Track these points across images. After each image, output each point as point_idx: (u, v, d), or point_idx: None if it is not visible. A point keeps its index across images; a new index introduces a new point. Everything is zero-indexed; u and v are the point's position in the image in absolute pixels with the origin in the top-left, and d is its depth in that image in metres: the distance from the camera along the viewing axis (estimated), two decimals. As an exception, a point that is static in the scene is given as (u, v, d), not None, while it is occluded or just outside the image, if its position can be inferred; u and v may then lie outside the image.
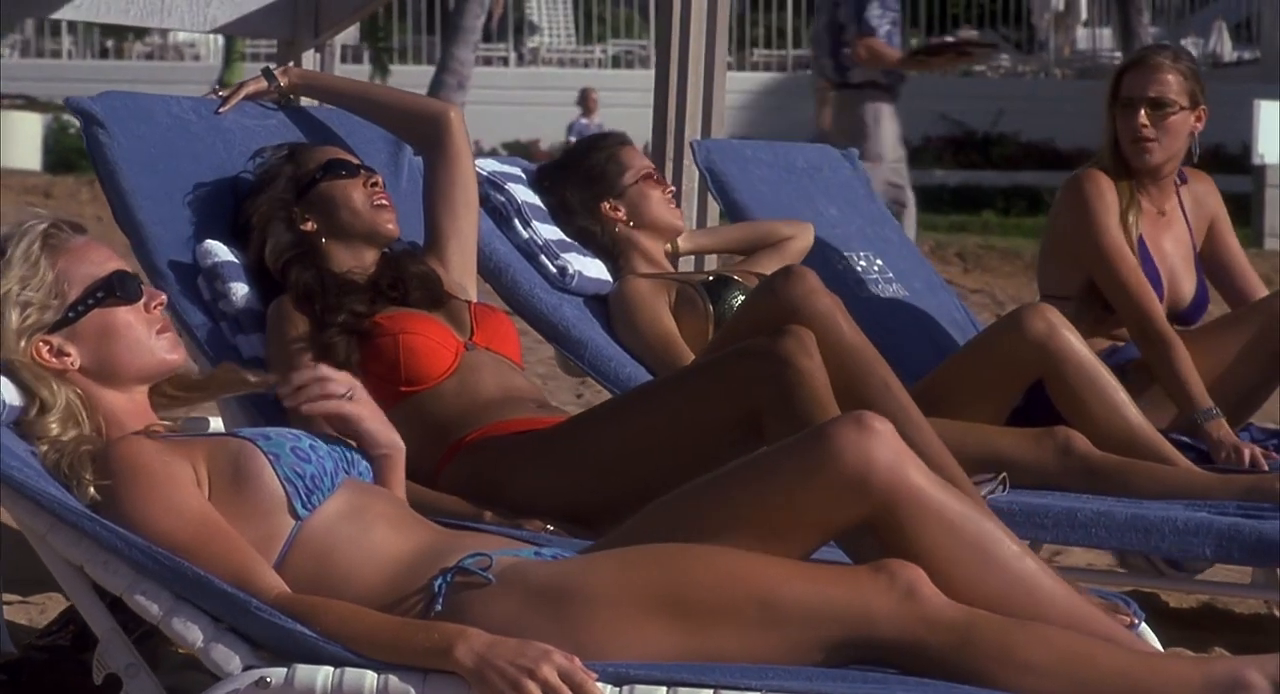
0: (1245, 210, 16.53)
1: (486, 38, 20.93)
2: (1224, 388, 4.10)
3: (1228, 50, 23.28)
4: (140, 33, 18.97)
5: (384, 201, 3.30)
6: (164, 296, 2.58)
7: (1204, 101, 4.24)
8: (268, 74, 3.62)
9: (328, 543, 2.41)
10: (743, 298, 3.72)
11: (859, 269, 4.53)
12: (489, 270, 3.71)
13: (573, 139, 16.78)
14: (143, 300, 2.54)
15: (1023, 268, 11.39)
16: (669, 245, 3.99)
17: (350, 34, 15.94)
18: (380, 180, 3.33)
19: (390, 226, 3.29)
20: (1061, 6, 21.60)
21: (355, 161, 3.35)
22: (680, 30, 4.79)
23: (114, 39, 18.23)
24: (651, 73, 15.82)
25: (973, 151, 19.80)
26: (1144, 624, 2.81)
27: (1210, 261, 4.37)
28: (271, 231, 3.27)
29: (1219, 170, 18.74)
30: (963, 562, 2.47)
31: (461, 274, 3.39)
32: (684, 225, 3.99)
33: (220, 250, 3.25)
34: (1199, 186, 4.41)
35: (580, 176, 3.91)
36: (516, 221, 3.81)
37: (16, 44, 20.34)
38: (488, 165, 3.87)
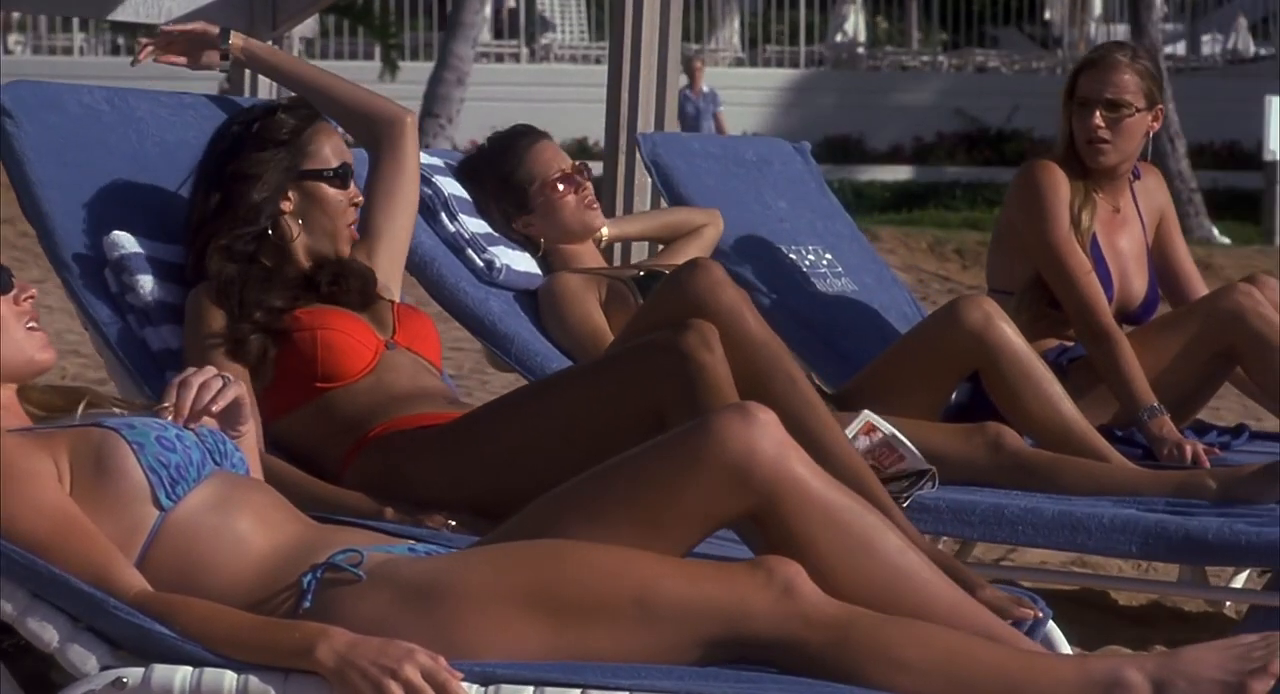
0: (1258, 206, 16.46)
1: (498, 34, 20.94)
2: (1165, 386, 4.06)
3: (1248, 46, 23.18)
4: (151, 30, 18.96)
5: (354, 227, 3.26)
6: (34, 290, 2.55)
7: (1162, 101, 4.20)
8: (225, 32, 3.50)
9: (190, 534, 2.37)
10: None
11: (808, 263, 4.49)
12: (414, 263, 3.67)
13: None
14: (13, 293, 2.52)
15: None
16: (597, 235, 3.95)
17: (309, 26, 15.78)
18: (362, 201, 3.27)
19: (345, 250, 3.25)
20: (1076, 1, 21.51)
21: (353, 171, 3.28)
22: (633, 25, 4.76)
23: (125, 36, 18.22)
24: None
25: (986, 148, 19.74)
26: (1051, 621, 2.77)
27: (1155, 257, 4.32)
28: (261, 189, 3.16)
29: (1233, 167, 18.74)
30: (845, 554, 2.44)
31: (389, 274, 3.34)
32: (602, 224, 3.93)
33: (128, 242, 3.20)
34: (1150, 180, 4.37)
35: (492, 186, 3.86)
36: (443, 215, 3.77)
37: (28, 41, 20.37)
38: (414, 157, 3.83)
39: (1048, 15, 22.46)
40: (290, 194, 3.19)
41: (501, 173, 3.87)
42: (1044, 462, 3.60)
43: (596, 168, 4.27)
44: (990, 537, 3.52)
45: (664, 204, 4.60)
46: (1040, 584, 4.38)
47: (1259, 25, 23.23)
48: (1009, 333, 3.69)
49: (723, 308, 2.97)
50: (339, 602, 2.32)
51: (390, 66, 17.31)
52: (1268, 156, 15.65)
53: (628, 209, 4.75)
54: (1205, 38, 23.62)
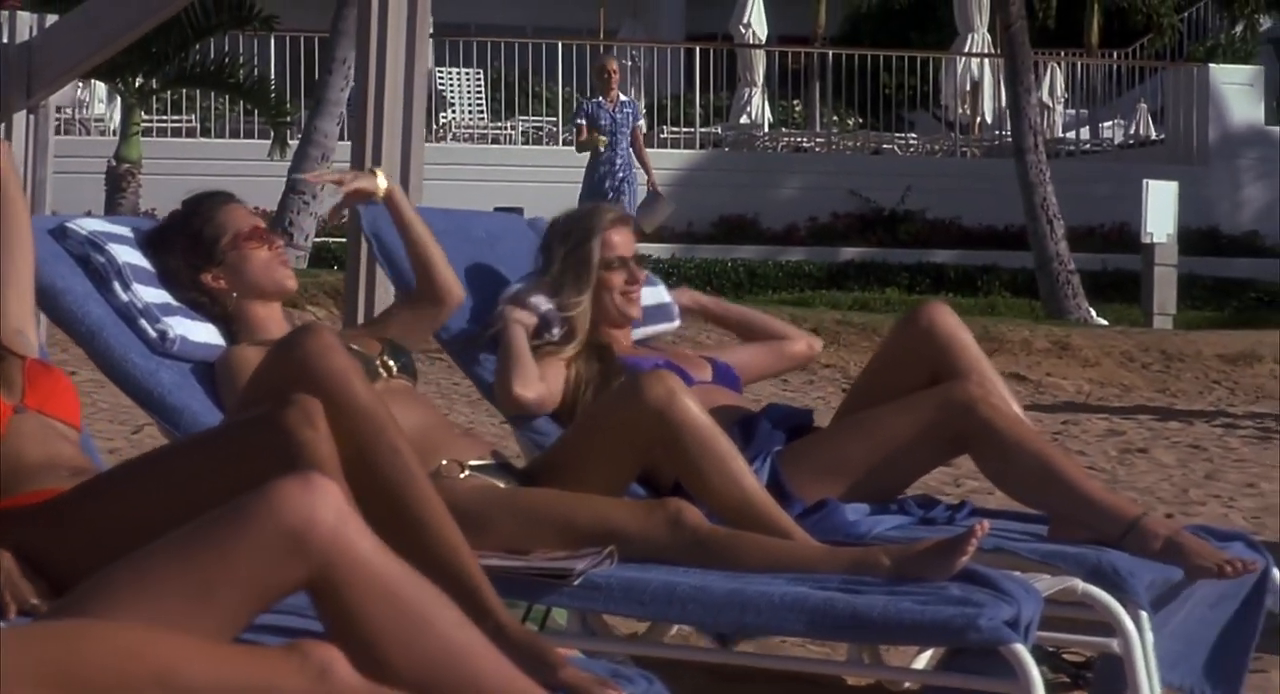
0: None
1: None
2: (891, 471, 4.04)
3: (1149, 132, 23.45)
4: (42, 106, 18.93)
5: None
6: None
7: None
8: None
9: None
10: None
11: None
12: (82, 334, 3.60)
13: (580, 122, 15.01)
14: None
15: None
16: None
17: (64, 96, 15.60)
18: None
19: None
20: (969, 86, 21.69)
21: None
22: (375, 99, 4.73)
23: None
24: (562, 149, 15.85)
25: (880, 229, 19.82)
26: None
27: None
28: None
29: (1122, 249, 18.87)
30: (397, 629, 2.40)
31: (22, 320, 3.24)
32: (294, 285, 3.88)
33: None
34: None
35: (180, 245, 3.81)
36: (116, 284, 3.70)
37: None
38: (89, 225, 3.77)
39: (941, 99, 22.65)
40: None
41: (191, 229, 3.82)
42: (722, 538, 3.54)
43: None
44: (662, 615, 3.45)
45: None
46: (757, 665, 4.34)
47: (1160, 112, 23.50)
48: (692, 408, 3.63)
49: (331, 374, 2.92)
50: None
51: (281, 144, 17.29)
52: (1145, 238, 15.77)
53: (370, 284, 4.71)
54: (1109, 122, 23.89)
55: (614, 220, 4.35)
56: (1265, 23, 26.60)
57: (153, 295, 3.72)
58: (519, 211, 14.10)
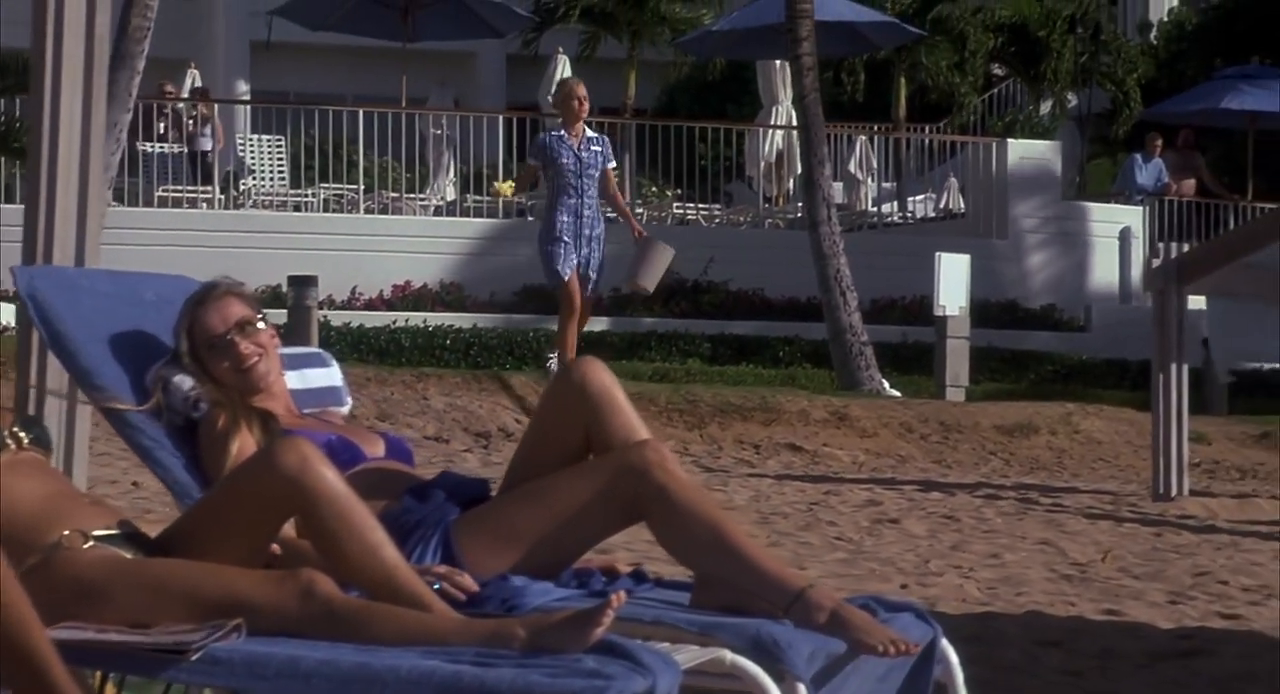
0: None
1: (193, 179, 20.70)
2: (567, 538, 3.95)
3: (958, 205, 23.79)
4: None
5: None
6: None
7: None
8: None
9: None
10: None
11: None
12: None
13: (532, 162, 13.11)
14: None
15: (656, 413, 11.30)
16: None
17: None
18: None
19: None
20: (774, 158, 21.88)
21: None
22: (49, 159, 4.56)
23: None
24: (363, 216, 15.67)
25: (683, 299, 19.84)
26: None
27: None
28: None
29: (923, 322, 19.07)
30: None
31: None
32: None
33: None
34: None
35: None
36: None
37: None
38: None
39: (747, 170, 22.85)
40: None
41: None
42: (355, 610, 3.40)
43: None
44: (286, 691, 3.31)
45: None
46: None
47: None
48: (328, 476, 3.50)
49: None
50: None
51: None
52: (938, 311, 15.91)
53: (43, 352, 4.53)
54: (920, 197, 24.21)
55: (211, 297, 4.16)
56: (1073, 100, 27.19)
57: None
58: (313, 280, 13.94)
